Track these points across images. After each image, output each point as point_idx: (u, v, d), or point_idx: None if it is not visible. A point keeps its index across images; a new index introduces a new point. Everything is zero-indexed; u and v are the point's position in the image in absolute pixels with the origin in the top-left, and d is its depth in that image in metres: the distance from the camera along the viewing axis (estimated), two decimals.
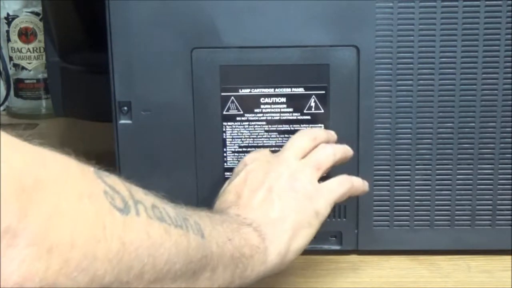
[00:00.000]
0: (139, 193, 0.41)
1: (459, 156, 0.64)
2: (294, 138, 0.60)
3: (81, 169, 0.37)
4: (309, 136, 0.59)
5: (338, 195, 0.57)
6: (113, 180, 0.39)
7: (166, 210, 0.43)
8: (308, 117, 0.64)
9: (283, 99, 0.64)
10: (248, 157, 0.60)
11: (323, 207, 0.56)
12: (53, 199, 0.34)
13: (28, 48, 1.15)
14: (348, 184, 0.58)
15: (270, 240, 0.53)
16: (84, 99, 0.81)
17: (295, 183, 0.56)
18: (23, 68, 1.16)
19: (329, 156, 0.58)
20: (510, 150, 0.64)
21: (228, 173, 0.65)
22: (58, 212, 0.34)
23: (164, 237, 0.41)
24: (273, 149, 0.65)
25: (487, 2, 0.61)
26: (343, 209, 0.66)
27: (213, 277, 0.47)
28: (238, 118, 0.64)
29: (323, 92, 0.64)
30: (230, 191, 0.57)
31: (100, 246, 0.35)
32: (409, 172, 0.65)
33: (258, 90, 0.64)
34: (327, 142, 0.60)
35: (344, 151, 0.60)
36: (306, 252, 0.67)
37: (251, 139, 0.65)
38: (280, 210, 0.54)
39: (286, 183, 0.56)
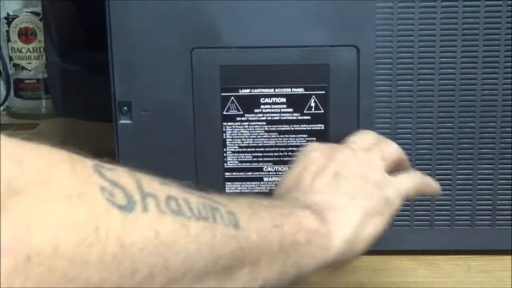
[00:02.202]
0: (152, 184, 0.37)
1: (459, 156, 0.64)
2: (359, 133, 0.57)
3: (73, 166, 0.34)
4: (374, 134, 0.57)
5: (408, 187, 0.53)
6: (117, 173, 0.36)
7: (188, 201, 0.38)
8: (308, 117, 0.64)
9: (283, 99, 0.64)
10: (308, 147, 0.55)
11: (394, 197, 0.51)
12: (31, 203, 0.31)
13: (28, 48, 1.15)
14: (418, 179, 0.54)
15: (335, 224, 0.47)
16: (84, 99, 0.81)
17: (364, 168, 0.52)
18: (23, 68, 1.16)
19: (395, 149, 0.55)
20: (510, 150, 0.64)
21: (228, 173, 0.65)
22: (38, 217, 0.31)
23: (179, 232, 0.36)
24: (273, 149, 0.65)
25: (487, 2, 0.61)
26: None
27: (256, 271, 0.41)
28: (238, 118, 0.64)
29: (323, 92, 0.64)
30: (290, 177, 0.52)
31: (93, 250, 0.32)
32: None
33: (258, 90, 0.64)
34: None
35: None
36: None
37: (251, 139, 0.65)
38: (347, 195, 0.50)
39: (354, 169, 0.51)
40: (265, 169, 0.65)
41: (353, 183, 0.51)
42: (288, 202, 0.48)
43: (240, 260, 0.40)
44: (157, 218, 0.36)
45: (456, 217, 0.66)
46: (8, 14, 1.14)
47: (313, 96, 0.64)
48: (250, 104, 0.64)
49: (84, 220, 0.32)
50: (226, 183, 0.66)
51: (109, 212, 0.34)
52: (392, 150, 0.55)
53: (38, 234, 0.31)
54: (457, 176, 0.65)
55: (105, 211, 0.33)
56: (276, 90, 0.64)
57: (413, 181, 0.54)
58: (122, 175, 0.36)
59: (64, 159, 0.34)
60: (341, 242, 0.47)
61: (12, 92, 1.14)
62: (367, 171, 0.52)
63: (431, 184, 0.56)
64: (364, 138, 0.56)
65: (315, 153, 0.53)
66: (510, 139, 0.64)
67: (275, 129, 0.65)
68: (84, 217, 0.32)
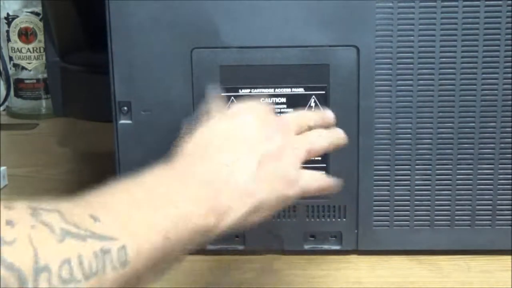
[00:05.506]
0: (49, 247, 0.37)
1: (459, 156, 0.64)
2: (300, 112, 0.58)
3: None
4: (314, 117, 0.57)
5: (311, 190, 0.54)
6: (14, 253, 0.36)
7: (81, 259, 0.38)
8: None
9: (283, 99, 0.64)
10: (242, 105, 0.55)
11: (293, 196, 0.52)
12: None
13: (28, 48, 1.15)
14: (323, 183, 0.55)
15: (227, 213, 0.48)
16: (84, 99, 0.81)
17: (282, 158, 0.52)
18: (23, 68, 1.16)
19: (322, 145, 0.55)
20: (510, 150, 0.64)
21: None
22: None
23: None
24: None
25: (487, 2, 0.61)
26: (343, 209, 0.66)
27: (139, 284, 0.42)
28: None
29: (323, 92, 0.64)
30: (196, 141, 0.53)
31: None
32: (409, 172, 0.65)
33: (258, 90, 0.64)
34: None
35: (337, 140, 0.57)
36: (306, 252, 0.67)
37: None
38: (253, 180, 0.50)
39: (273, 155, 0.51)
40: None
41: (264, 170, 0.50)
42: (179, 201, 0.47)
43: (127, 284, 0.41)
44: None
45: (456, 217, 0.66)
46: (8, 14, 1.14)
47: (313, 96, 0.64)
48: None
49: None
50: None
51: None
52: (319, 144, 0.55)
53: None
54: (457, 176, 0.65)
55: None
56: (276, 90, 0.64)
57: (317, 183, 0.54)
58: (19, 251, 0.36)
59: None
60: (225, 229, 0.48)
61: (12, 92, 1.14)
62: (283, 162, 0.52)
63: (330, 186, 0.56)
64: (304, 119, 0.56)
65: (248, 116, 0.53)
66: (510, 139, 0.64)
67: None
68: None
